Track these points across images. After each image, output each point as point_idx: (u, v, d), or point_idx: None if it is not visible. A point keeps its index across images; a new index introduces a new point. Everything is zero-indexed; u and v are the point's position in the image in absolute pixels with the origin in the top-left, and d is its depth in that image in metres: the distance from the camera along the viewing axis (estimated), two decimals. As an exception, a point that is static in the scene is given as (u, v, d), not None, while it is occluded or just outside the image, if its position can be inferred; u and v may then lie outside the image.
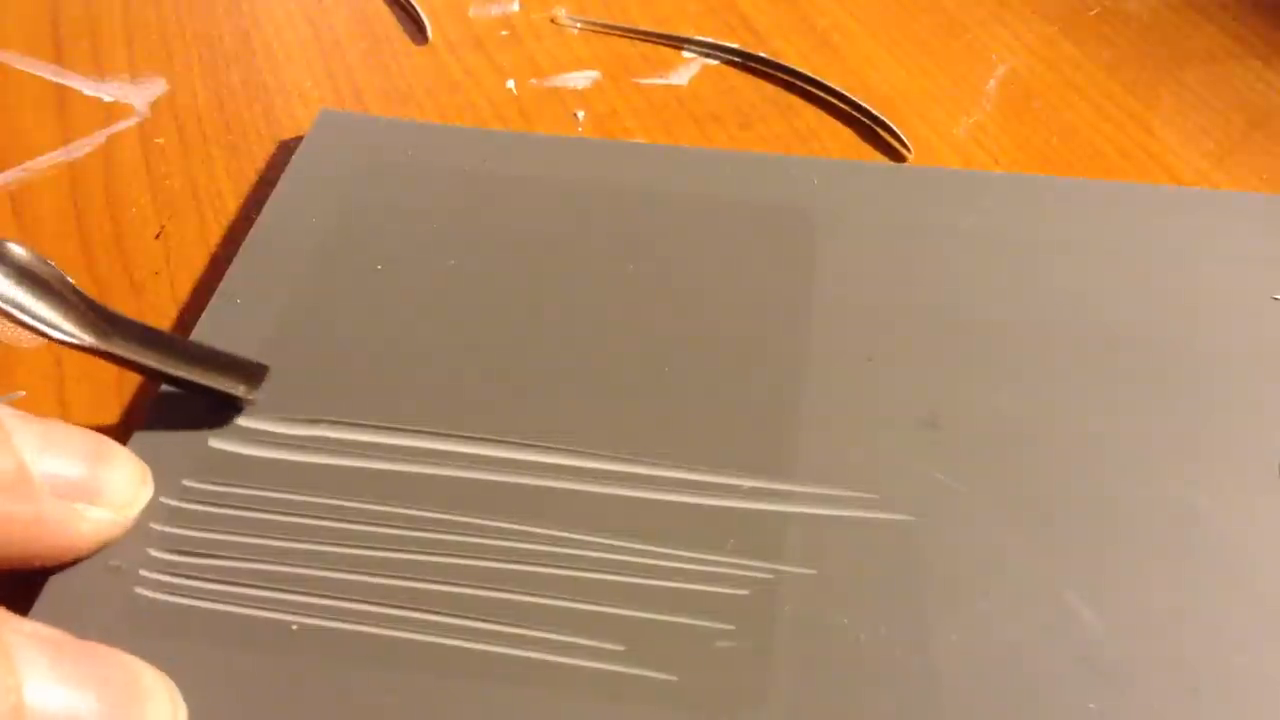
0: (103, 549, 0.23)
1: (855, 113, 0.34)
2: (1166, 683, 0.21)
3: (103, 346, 0.23)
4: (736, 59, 0.37)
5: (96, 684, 0.19)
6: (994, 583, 0.22)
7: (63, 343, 0.23)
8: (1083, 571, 0.23)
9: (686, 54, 0.37)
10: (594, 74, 0.36)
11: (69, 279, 0.23)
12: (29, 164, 0.33)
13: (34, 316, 0.22)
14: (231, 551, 0.23)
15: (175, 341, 0.24)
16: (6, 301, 0.22)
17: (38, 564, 0.22)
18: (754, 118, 0.35)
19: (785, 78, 0.36)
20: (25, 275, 0.22)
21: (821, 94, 0.35)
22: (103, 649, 0.19)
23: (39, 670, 0.18)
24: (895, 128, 0.33)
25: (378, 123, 0.33)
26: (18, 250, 0.22)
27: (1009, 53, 0.37)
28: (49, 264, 0.23)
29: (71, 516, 0.22)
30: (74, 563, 0.22)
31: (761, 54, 0.36)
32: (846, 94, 0.35)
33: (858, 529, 0.23)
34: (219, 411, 0.25)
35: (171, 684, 0.20)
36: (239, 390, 0.25)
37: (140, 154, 0.33)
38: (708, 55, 0.37)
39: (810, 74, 0.35)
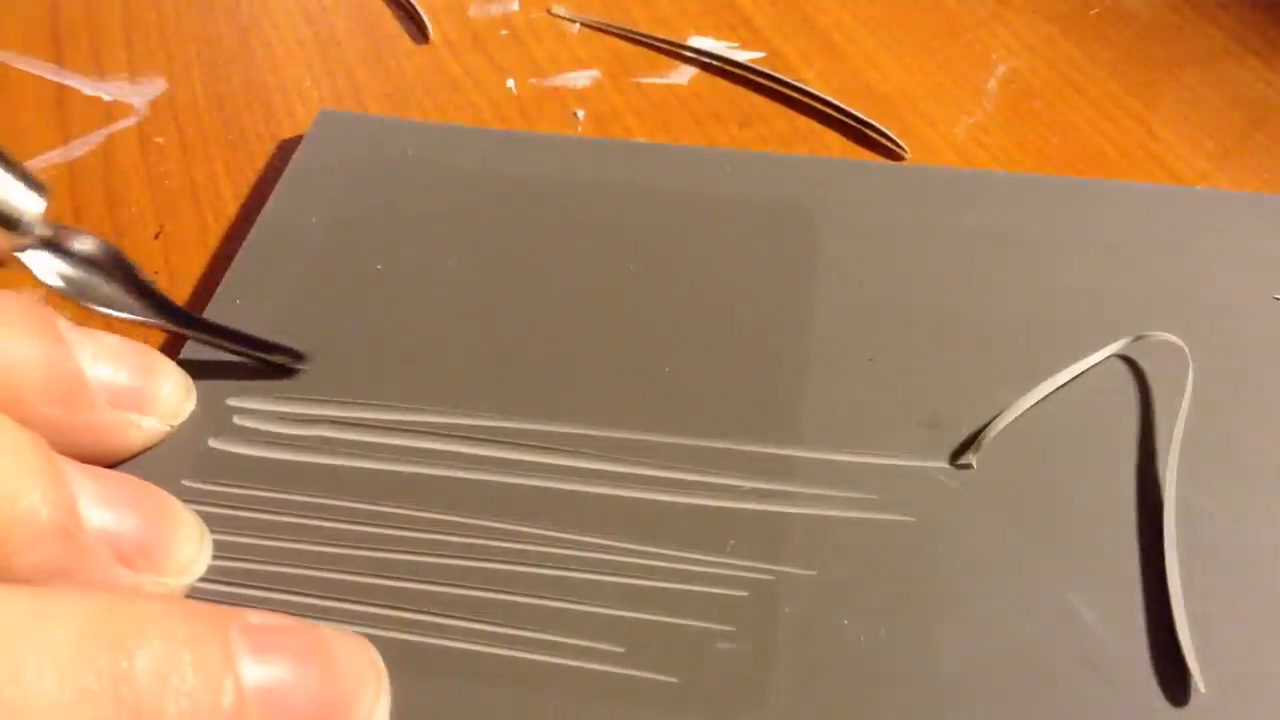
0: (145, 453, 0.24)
1: (846, 119, 0.34)
2: (1166, 683, 0.21)
3: (175, 328, 0.25)
4: (737, 58, 0.36)
5: (134, 506, 0.21)
6: (994, 583, 0.22)
7: (142, 323, 0.24)
8: (1083, 571, 0.23)
9: (686, 53, 0.37)
10: (594, 74, 0.36)
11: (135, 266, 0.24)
12: (28, 164, 0.33)
13: (104, 302, 0.24)
14: (230, 552, 0.23)
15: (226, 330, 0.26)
16: (75, 288, 0.23)
17: None
18: (754, 117, 0.35)
19: (776, 87, 0.35)
20: (94, 263, 0.24)
21: (810, 101, 0.35)
22: (139, 481, 0.22)
23: (86, 491, 0.20)
24: (888, 131, 0.33)
25: (378, 123, 0.33)
26: (86, 240, 0.24)
27: (1009, 52, 0.37)
28: (117, 251, 0.24)
29: (125, 425, 0.23)
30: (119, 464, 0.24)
31: (760, 54, 0.36)
32: (833, 100, 0.34)
33: (858, 529, 0.23)
34: (218, 411, 0.25)
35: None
36: (286, 359, 0.26)
37: (140, 154, 0.33)
38: (708, 54, 0.37)
39: (793, 80, 0.35)
